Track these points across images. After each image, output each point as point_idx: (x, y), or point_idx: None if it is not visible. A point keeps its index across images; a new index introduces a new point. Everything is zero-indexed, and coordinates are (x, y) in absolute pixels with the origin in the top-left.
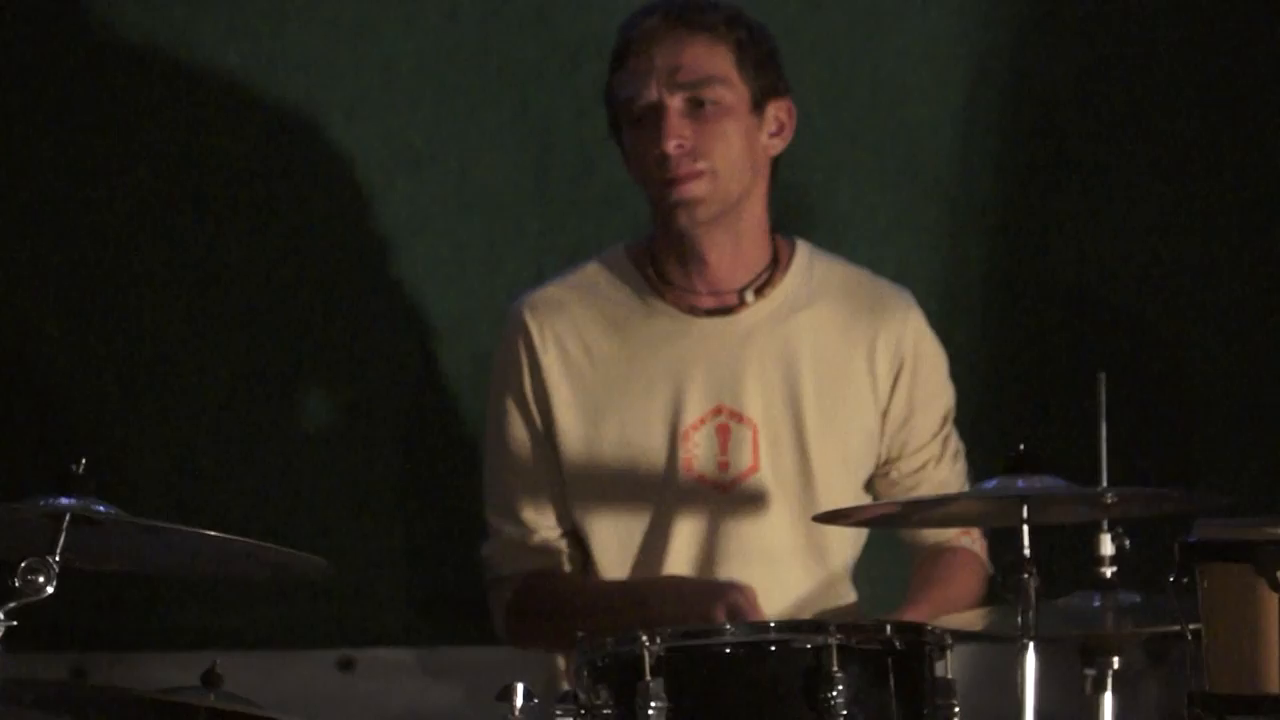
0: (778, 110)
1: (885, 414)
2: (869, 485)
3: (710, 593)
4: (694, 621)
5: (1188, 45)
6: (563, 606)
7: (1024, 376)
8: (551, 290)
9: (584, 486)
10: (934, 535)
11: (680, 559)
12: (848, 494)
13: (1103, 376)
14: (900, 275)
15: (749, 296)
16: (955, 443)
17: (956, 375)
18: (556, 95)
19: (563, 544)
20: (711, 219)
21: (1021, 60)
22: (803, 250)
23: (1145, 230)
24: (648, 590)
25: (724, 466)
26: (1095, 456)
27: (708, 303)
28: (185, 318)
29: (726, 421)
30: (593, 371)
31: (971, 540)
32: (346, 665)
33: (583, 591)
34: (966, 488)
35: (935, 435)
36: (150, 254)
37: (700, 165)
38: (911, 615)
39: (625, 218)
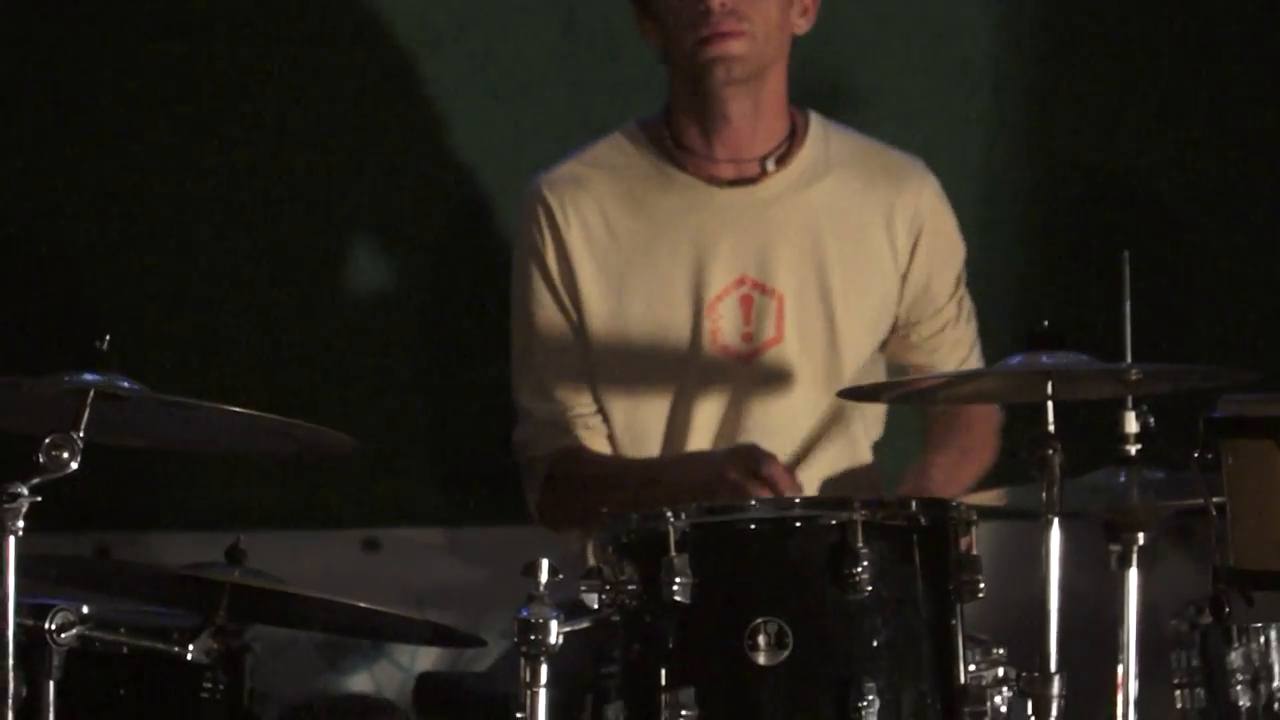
0: None
1: (905, 279)
2: (882, 347)
3: (724, 457)
4: (712, 487)
5: None
6: (591, 483)
7: (1048, 255)
8: (569, 167)
9: (609, 361)
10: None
11: (705, 430)
12: (868, 358)
13: (1126, 255)
14: (926, 155)
15: (770, 165)
16: (968, 303)
17: (981, 254)
18: None
19: (595, 421)
20: (744, 79)
21: None
22: (816, 121)
23: (1170, 109)
24: (666, 464)
25: (748, 338)
26: (1119, 333)
27: (728, 172)
28: (210, 197)
29: (750, 292)
30: (615, 246)
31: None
32: (372, 545)
33: (607, 467)
34: (977, 347)
35: (951, 297)
36: (174, 133)
37: (743, 25)
38: (927, 474)
39: (650, 98)
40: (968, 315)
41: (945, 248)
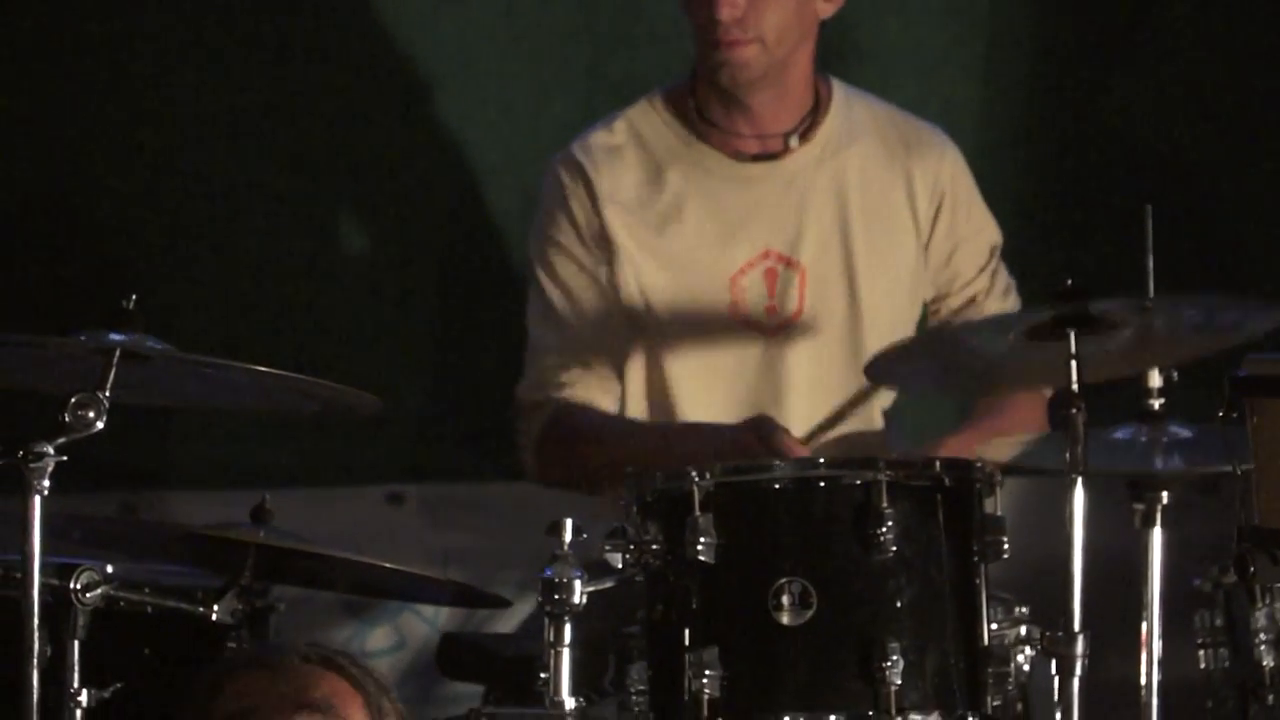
0: None
1: (927, 249)
2: (919, 326)
3: (740, 430)
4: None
5: None
6: (593, 440)
7: (1070, 211)
8: (597, 137)
9: (628, 331)
10: None
11: (728, 401)
12: (894, 333)
13: (1149, 209)
14: (945, 112)
15: (793, 142)
16: (1005, 278)
17: (1002, 211)
18: None
19: (603, 380)
20: (756, 80)
21: None
22: (839, 90)
23: (1188, 62)
24: (680, 431)
25: (771, 310)
26: (1142, 290)
27: (752, 147)
28: (233, 156)
29: (775, 265)
30: (642, 217)
31: None
32: (396, 500)
33: (614, 427)
34: None
35: (982, 269)
36: (198, 93)
37: (749, 34)
38: (960, 441)
39: (673, 54)
40: (1003, 291)
41: (968, 218)
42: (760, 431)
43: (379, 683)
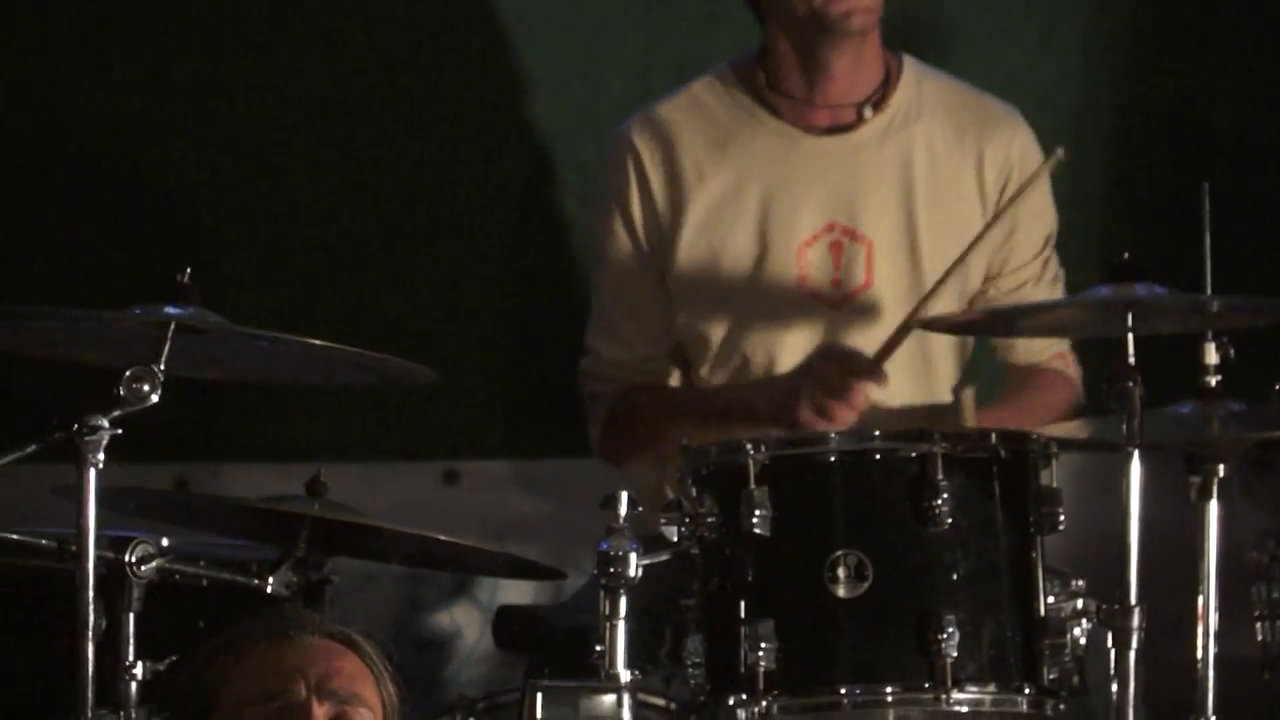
0: None
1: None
2: (971, 302)
3: (809, 361)
4: (797, 394)
5: None
6: (661, 415)
7: (1127, 187)
8: (660, 111)
9: (694, 306)
10: (1027, 357)
11: None
12: (957, 307)
13: (1206, 187)
14: (1005, 89)
15: (867, 112)
16: (1055, 267)
17: (1059, 189)
18: None
19: (664, 363)
20: (866, 28)
21: None
22: (910, 65)
23: (1250, 40)
24: (746, 389)
25: (837, 283)
26: (1199, 266)
27: (824, 119)
28: (291, 131)
29: (840, 238)
30: (703, 191)
31: (1065, 365)
32: (451, 477)
33: (678, 401)
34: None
35: (1036, 256)
36: (257, 66)
37: None
38: (992, 417)
39: (731, 31)
40: (1052, 280)
41: (1032, 201)
42: (832, 355)
43: (387, 665)
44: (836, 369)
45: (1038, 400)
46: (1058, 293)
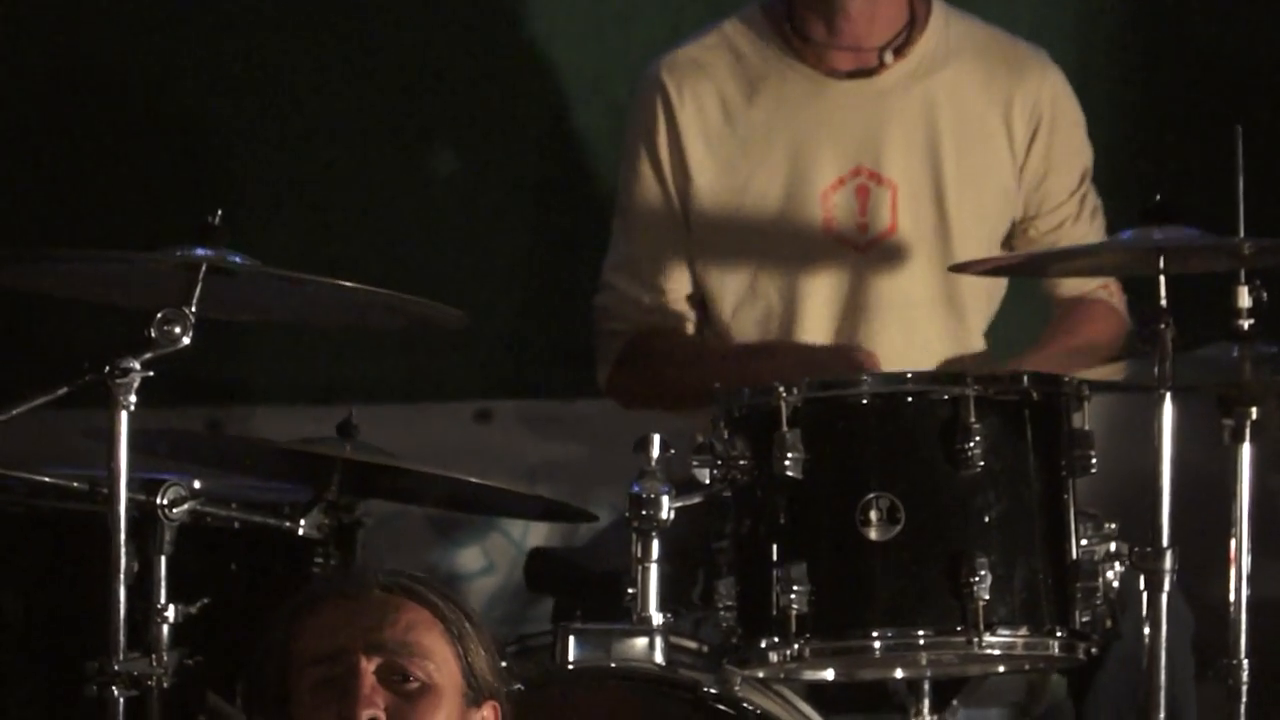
0: None
1: (1022, 172)
2: (1006, 242)
3: (833, 354)
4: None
5: None
6: (678, 364)
7: (1160, 130)
8: (689, 50)
9: (717, 248)
10: (1071, 289)
11: (815, 319)
12: (984, 252)
13: (1239, 129)
14: (1034, 31)
15: (888, 57)
16: (1093, 201)
17: (1091, 128)
18: None
19: (680, 306)
20: None
21: None
22: (939, 9)
23: None
24: (769, 352)
25: (863, 228)
26: (1232, 208)
27: (847, 63)
28: (321, 72)
29: (865, 182)
30: (730, 133)
31: (1109, 294)
32: (483, 417)
33: (696, 351)
34: None
35: (1073, 194)
36: (290, 6)
37: None
38: (1034, 361)
39: None
40: (1091, 214)
41: (1065, 142)
42: (851, 359)
43: (460, 607)
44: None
45: (1086, 333)
46: (1097, 226)
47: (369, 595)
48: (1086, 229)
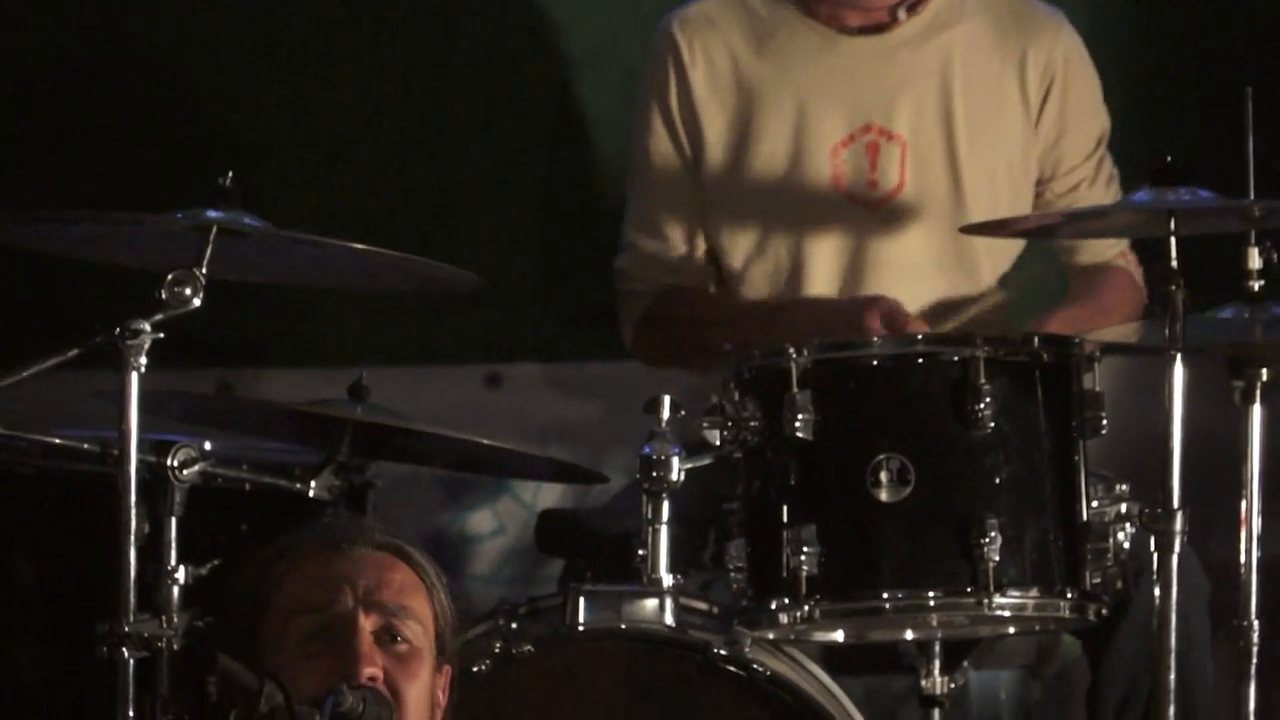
0: None
1: (1036, 131)
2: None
3: (852, 307)
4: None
5: None
6: (699, 321)
7: (1170, 91)
8: (701, 6)
9: (727, 203)
10: (1089, 256)
11: (824, 275)
12: (998, 211)
13: (1250, 91)
14: None
15: (901, 14)
16: (1109, 167)
17: (1103, 90)
18: None
19: (700, 262)
20: None
21: None
22: None
23: None
24: (788, 308)
25: (872, 185)
26: (1243, 170)
27: (857, 19)
28: (334, 34)
29: (876, 139)
30: (741, 88)
31: (1127, 261)
32: (494, 380)
33: (720, 308)
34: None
35: (1089, 157)
36: None
37: None
38: (1050, 327)
39: None
40: (1107, 180)
41: (1079, 103)
42: (884, 311)
43: (438, 574)
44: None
45: (1107, 301)
46: (1113, 192)
47: (362, 552)
48: (1103, 194)
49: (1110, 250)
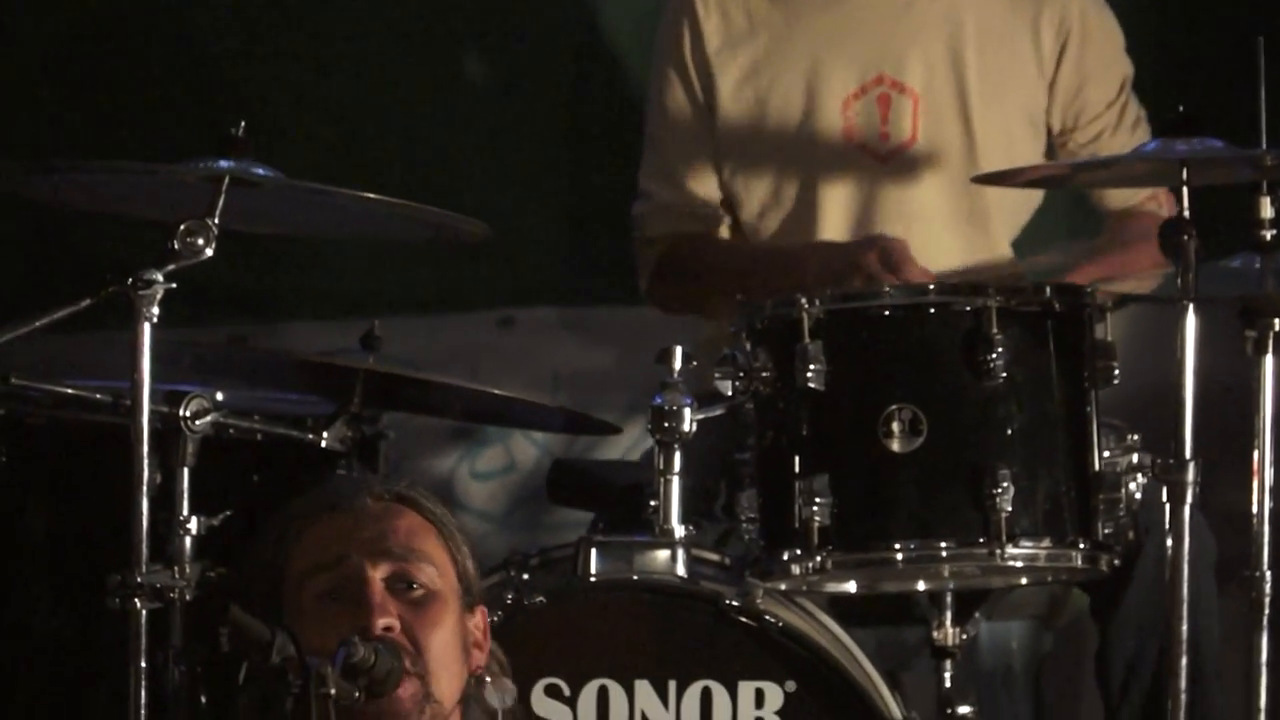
0: None
1: (1053, 86)
2: (1046, 155)
3: (853, 247)
4: (844, 277)
5: None
6: (712, 269)
7: (1182, 41)
8: None
9: (741, 154)
10: (1119, 201)
11: (837, 226)
12: (1010, 163)
13: (1261, 40)
14: None
15: None
16: (1135, 110)
17: None
18: None
19: (716, 211)
20: None
21: None
22: None
23: None
24: (798, 251)
25: (884, 137)
26: (1254, 119)
27: None
28: None
29: (888, 91)
30: (754, 38)
31: (1159, 205)
32: (506, 323)
33: (733, 254)
34: None
35: (1111, 105)
36: None
37: None
38: (1080, 274)
39: None
40: (1132, 124)
41: (1099, 54)
42: (880, 248)
43: (450, 513)
44: (883, 269)
45: (1135, 249)
46: (1140, 135)
47: (362, 506)
48: (1127, 139)
49: (1141, 193)
